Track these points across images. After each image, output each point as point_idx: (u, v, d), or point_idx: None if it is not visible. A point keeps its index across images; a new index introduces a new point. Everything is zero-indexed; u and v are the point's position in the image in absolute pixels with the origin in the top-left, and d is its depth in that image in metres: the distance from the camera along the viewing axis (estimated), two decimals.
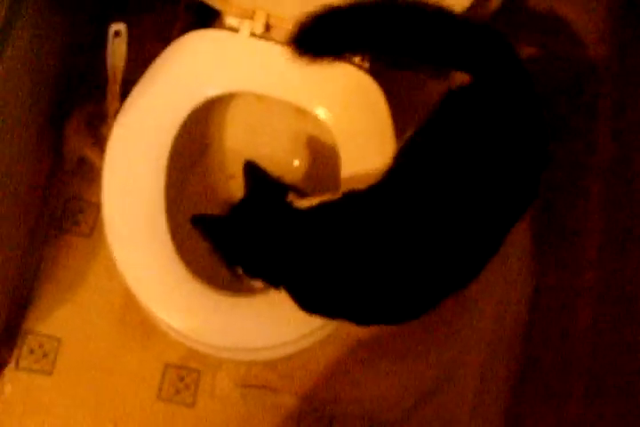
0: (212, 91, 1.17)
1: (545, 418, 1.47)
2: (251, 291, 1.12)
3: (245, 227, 1.03)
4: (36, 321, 1.45)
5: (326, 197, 1.05)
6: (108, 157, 1.11)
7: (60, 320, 1.46)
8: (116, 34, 1.16)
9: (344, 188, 1.13)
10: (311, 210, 1.03)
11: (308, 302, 1.03)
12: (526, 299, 1.60)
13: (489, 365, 1.57)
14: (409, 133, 1.05)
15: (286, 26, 1.18)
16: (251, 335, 1.11)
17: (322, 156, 1.25)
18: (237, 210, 1.06)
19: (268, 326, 1.11)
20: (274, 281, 1.04)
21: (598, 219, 1.48)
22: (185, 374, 1.48)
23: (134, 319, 1.45)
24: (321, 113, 1.20)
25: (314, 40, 1.02)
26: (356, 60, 1.22)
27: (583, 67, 1.52)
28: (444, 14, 1.01)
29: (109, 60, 1.20)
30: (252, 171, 1.10)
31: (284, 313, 1.08)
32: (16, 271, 1.39)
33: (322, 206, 1.04)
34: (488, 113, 1.01)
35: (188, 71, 1.16)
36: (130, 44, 1.25)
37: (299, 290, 1.03)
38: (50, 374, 1.44)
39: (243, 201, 1.07)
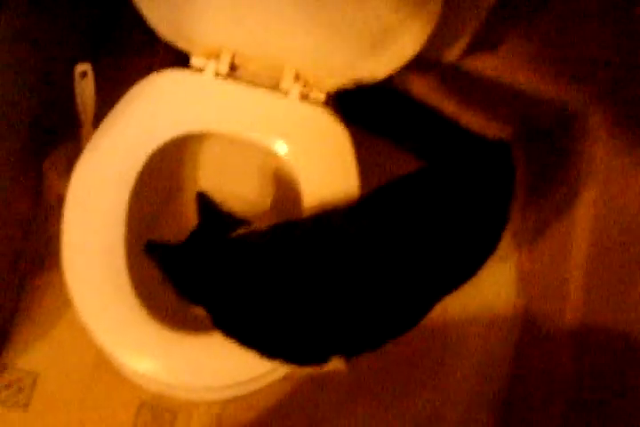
0: (174, 132, 1.19)
1: None
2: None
3: (190, 257, 1.05)
4: (14, 356, 1.46)
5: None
6: (69, 196, 1.14)
7: (38, 356, 1.47)
8: (83, 74, 1.19)
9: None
10: (239, 238, 1.06)
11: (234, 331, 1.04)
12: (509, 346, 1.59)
13: (471, 409, 1.56)
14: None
15: (252, 66, 1.24)
16: (215, 373, 1.11)
17: (288, 192, 1.26)
18: (188, 240, 1.08)
19: (231, 363, 1.10)
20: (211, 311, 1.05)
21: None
22: (159, 413, 1.47)
23: None
24: (281, 149, 1.21)
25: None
26: (321, 98, 1.24)
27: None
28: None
29: (78, 101, 1.22)
30: (203, 202, 1.12)
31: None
32: None
33: (250, 234, 1.06)
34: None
35: (149, 112, 1.18)
36: (112, 82, 1.27)
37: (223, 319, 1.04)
38: (25, 408, 1.45)
39: (193, 232, 1.09)
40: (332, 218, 1.08)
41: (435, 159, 1.13)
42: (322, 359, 1.04)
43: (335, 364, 1.06)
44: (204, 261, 1.04)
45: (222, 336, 1.05)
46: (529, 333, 1.56)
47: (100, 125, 1.17)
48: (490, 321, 1.60)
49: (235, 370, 1.10)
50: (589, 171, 1.42)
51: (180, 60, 1.25)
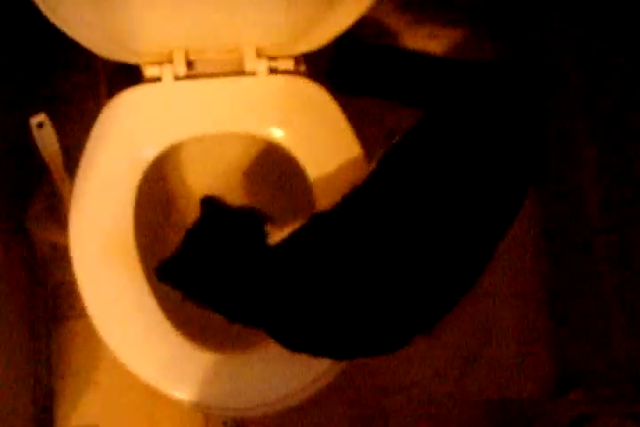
0: (157, 149, 1.13)
1: (591, 355, 1.45)
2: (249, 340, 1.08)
3: (214, 267, 0.96)
4: (67, 416, 1.42)
5: (297, 224, 0.99)
6: (72, 235, 1.08)
7: (90, 407, 1.42)
8: (40, 125, 1.11)
9: (320, 206, 1.08)
10: (282, 244, 0.97)
11: (293, 340, 0.98)
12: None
13: (523, 314, 1.54)
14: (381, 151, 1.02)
15: (209, 56, 1.16)
16: (260, 392, 1.06)
17: (293, 180, 1.19)
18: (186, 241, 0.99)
19: (275, 379, 1.06)
20: (252, 323, 0.98)
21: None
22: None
23: None
24: (275, 134, 1.15)
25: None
26: (290, 66, 1.17)
27: None
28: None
29: (42, 151, 1.15)
30: (209, 205, 1.03)
31: (287, 363, 1.04)
32: (29, 373, 1.35)
33: (291, 237, 0.98)
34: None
35: (124, 139, 1.12)
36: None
37: (279, 329, 0.97)
38: None
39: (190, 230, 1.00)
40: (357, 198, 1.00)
41: (437, 102, 1.05)
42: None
43: None
44: (243, 271, 0.96)
45: (263, 350, 1.03)
46: None
47: (80, 165, 1.10)
48: None
49: (279, 384, 1.06)
50: None
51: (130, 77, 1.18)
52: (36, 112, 1.12)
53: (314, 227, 0.97)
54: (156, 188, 1.21)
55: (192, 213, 1.25)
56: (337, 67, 1.11)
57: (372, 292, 0.93)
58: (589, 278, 1.41)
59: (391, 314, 0.94)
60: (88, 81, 1.47)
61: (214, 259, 0.96)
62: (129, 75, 1.18)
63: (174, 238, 1.21)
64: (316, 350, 0.98)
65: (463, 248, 0.95)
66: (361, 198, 0.99)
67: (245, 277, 0.95)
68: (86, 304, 1.06)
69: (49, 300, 1.44)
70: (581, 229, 1.42)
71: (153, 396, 1.36)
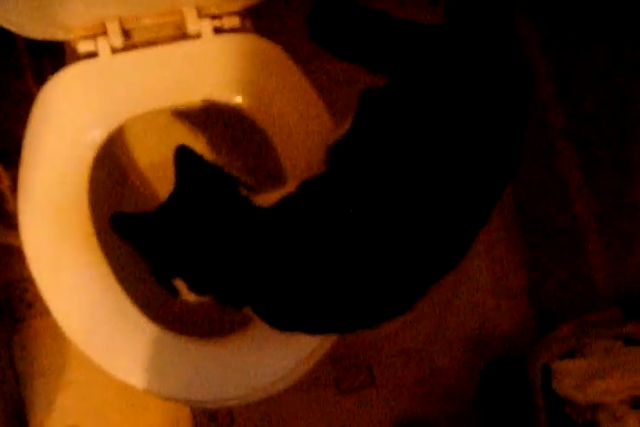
0: (105, 129, 1.04)
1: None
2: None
3: (188, 227, 0.89)
4: (43, 420, 1.37)
5: (285, 192, 0.91)
6: (26, 243, 1.01)
7: (66, 408, 1.38)
8: None
9: (290, 175, 1.04)
10: (276, 208, 0.90)
11: (284, 314, 0.92)
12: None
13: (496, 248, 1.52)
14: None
15: (146, 23, 1.07)
16: (245, 380, 1.00)
17: (257, 149, 1.12)
18: (171, 206, 0.91)
19: (260, 365, 1.00)
20: (232, 298, 0.92)
21: None
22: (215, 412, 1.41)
23: None
24: (232, 99, 1.07)
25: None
26: (236, 22, 1.10)
27: None
28: None
29: None
30: (186, 157, 0.94)
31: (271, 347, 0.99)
32: None
33: (285, 203, 0.90)
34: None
35: (67, 121, 1.03)
36: None
37: (270, 304, 0.91)
38: None
39: (174, 195, 0.92)
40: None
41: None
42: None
43: None
44: (230, 234, 0.88)
45: (245, 336, 0.99)
46: None
47: (22, 158, 1.03)
48: None
49: (270, 367, 1.01)
50: None
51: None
52: None
53: (304, 194, 0.90)
54: (109, 168, 1.15)
55: (148, 191, 1.19)
56: (313, 22, 1.02)
57: (365, 260, 0.87)
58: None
59: (384, 283, 0.89)
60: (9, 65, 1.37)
61: (200, 221, 0.89)
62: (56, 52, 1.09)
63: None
64: (309, 325, 0.93)
65: (455, 211, 0.89)
66: (346, 160, 0.92)
67: (238, 241, 0.88)
68: (45, 298, 1.00)
69: (2, 302, 1.37)
70: None
71: (132, 388, 1.32)
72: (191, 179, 0.92)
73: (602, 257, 1.49)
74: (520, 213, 1.52)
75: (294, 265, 0.88)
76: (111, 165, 1.16)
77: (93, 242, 1.01)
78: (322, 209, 0.88)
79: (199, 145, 1.21)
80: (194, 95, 1.07)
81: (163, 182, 1.12)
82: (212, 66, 1.07)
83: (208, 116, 1.16)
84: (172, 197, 0.92)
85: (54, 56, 1.10)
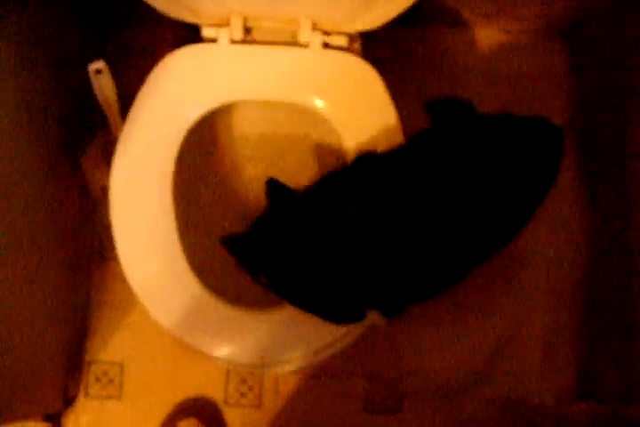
0: (204, 107, 1.16)
1: (617, 363, 1.43)
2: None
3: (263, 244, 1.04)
4: (96, 350, 1.49)
5: None
6: (112, 189, 1.14)
7: (119, 346, 1.49)
8: (98, 71, 1.17)
9: None
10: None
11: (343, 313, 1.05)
12: (581, 243, 1.55)
13: (553, 315, 1.54)
14: None
15: (266, 25, 1.19)
16: (290, 345, 1.12)
17: (332, 152, 1.23)
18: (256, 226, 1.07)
19: (305, 333, 1.11)
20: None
21: None
22: (247, 376, 1.49)
23: None
24: (317, 104, 1.18)
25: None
26: (343, 42, 1.20)
27: None
28: None
29: (99, 97, 1.20)
30: (274, 188, 1.12)
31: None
32: (68, 307, 1.41)
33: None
34: None
35: (174, 93, 1.16)
36: (130, 69, 1.27)
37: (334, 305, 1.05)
38: (119, 398, 1.48)
39: (265, 218, 1.08)
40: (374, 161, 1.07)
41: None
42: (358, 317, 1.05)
43: (374, 319, 1.07)
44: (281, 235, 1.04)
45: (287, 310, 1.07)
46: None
47: (129, 115, 1.15)
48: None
49: (306, 338, 1.11)
50: None
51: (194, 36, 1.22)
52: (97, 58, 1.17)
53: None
54: (196, 152, 1.25)
55: (230, 173, 1.32)
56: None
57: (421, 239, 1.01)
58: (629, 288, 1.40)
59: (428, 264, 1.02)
60: (155, 36, 1.52)
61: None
62: (195, 34, 1.22)
63: (210, 196, 1.27)
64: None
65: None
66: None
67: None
68: (116, 242, 1.12)
69: (95, 239, 1.50)
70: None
71: (180, 344, 1.43)
72: (280, 206, 1.09)
73: None
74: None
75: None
76: (198, 148, 1.25)
77: (170, 206, 1.13)
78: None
79: (279, 140, 1.33)
80: (286, 94, 1.18)
81: (243, 160, 1.30)
82: (308, 74, 1.18)
83: (293, 115, 1.27)
84: (262, 218, 1.08)
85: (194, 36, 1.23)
